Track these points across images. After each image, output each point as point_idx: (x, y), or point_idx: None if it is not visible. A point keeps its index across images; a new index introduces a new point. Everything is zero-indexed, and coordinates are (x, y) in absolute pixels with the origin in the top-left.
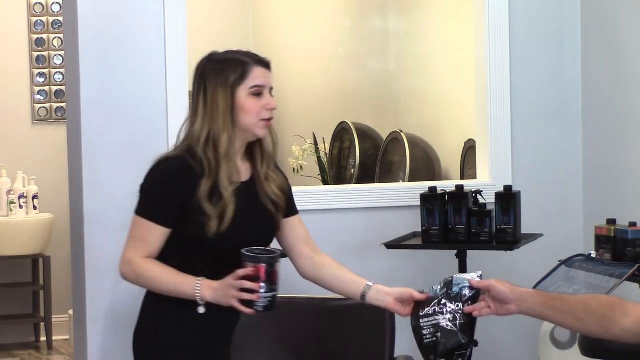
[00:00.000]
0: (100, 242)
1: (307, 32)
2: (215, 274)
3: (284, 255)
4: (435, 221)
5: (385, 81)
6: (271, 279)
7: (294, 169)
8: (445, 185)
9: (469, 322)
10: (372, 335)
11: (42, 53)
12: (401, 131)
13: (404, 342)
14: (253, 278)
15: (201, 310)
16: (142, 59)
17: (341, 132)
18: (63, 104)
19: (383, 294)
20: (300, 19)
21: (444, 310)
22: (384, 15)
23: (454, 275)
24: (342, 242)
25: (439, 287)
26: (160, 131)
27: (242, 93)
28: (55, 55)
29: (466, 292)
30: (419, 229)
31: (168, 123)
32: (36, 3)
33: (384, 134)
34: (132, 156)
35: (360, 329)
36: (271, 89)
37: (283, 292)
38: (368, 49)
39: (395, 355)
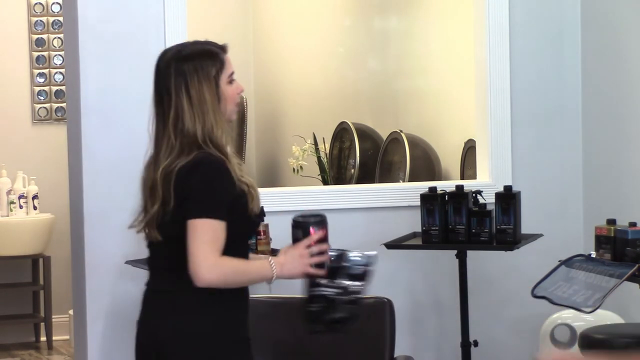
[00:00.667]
0: (100, 242)
1: (307, 32)
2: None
3: None
4: (435, 221)
5: (385, 81)
6: (328, 239)
7: (294, 169)
8: (445, 186)
9: (355, 299)
10: (372, 336)
11: (42, 53)
12: (401, 131)
13: (404, 342)
14: (318, 242)
15: (270, 288)
16: (142, 59)
17: (341, 132)
18: (63, 104)
19: None
20: (300, 19)
21: (335, 284)
22: (384, 15)
23: (347, 253)
24: (342, 242)
25: (333, 254)
26: None
27: (224, 83)
28: (55, 55)
29: (358, 270)
30: (419, 229)
31: None
32: (36, 3)
33: (384, 134)
34: (132, 156)
35: (361, 329)
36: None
37: (282, 293)
38: (368, 49)
39: (395, 355)
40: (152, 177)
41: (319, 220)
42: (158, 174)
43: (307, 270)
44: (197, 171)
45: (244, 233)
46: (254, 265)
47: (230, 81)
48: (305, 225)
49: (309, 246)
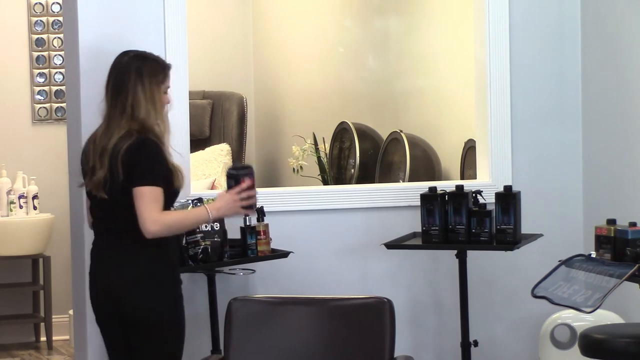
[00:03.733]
0: None
1: (307, 32)
2: None
3: None
4: (435, 221)
5: (385, 81)
6: (253, 186)
7: (294, 169)
8: (445, 185)
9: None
10: (372, 336)
11: (42, 53)
12: (401, 131)
13: (404, 342)
14: (247, 189)
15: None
16: None
17: (341, 132)
18: (63, 104)
19: None
20: (300, 19)
21: None
22: (384, 15)
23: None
24: (342, 242)
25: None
26: None
27: (162, 91)
28: (55, 55)
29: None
30: (419, 229)
31: None
32: (36, 3)
33: (384, 134)
34: None
35: (360, 329)
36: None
37: (284, 293)
38: (368, 49)
39: (395, 355)
40: (103, 147)
41: (248, 171)
42: (109, 147)
43: (239, 212)
44: (142, 149)
45: (168, 201)
46: (192, 213)
47: (165, 91)
48: (236, 176)
49: (239, 192)
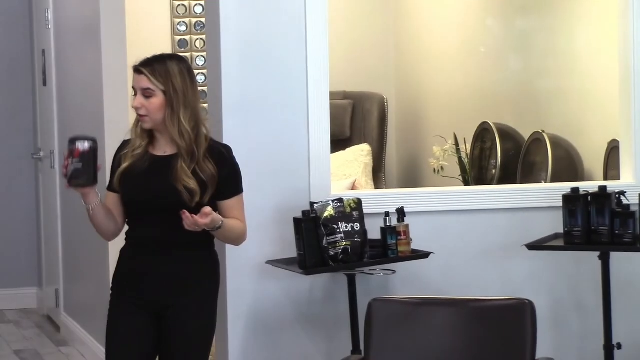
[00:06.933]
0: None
1: (448, 32)
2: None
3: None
4: (577, 222)
5: (527, 81)
6: (73, 155)
7: (434, 170)
8: (588, 186)
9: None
10: (513, 337)
11: (185, 54)
12: (543, 131)
13: (546, 343)
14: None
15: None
16: (283, 61)
17: (482, 133)
18: (205, 105)
19: None
20: (442, 19)
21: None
22: (526, 14)
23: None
24: (482, 243)
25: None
26: (301, 131)
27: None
28: (198, 56)
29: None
30: (561, 230)
31: (309, 125)
32: (179, 5)
33: (525, 134)
34: (269, 157)
35: (501, 331)
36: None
37: (424, 293)
38: (509, 48)
39: (536, 357)
40: None
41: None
42: None
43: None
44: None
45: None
46: None
47: (135, 93)
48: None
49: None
